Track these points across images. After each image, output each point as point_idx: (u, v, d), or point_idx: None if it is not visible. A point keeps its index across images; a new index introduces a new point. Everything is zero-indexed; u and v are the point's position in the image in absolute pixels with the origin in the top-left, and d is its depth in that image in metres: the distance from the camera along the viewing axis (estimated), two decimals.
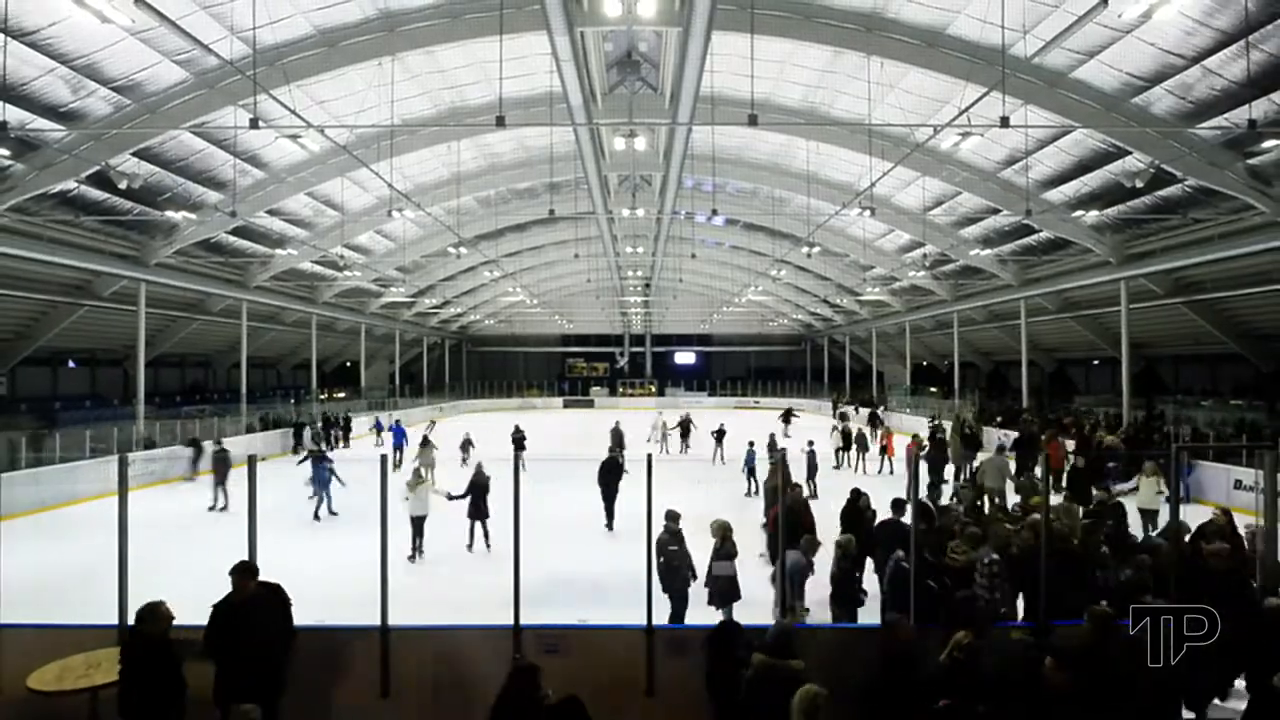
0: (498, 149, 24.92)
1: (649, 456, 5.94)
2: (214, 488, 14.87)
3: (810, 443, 16.23)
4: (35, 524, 13.25)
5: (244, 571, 4.90)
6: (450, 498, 11.06)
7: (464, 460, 18.79)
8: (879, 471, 19.12)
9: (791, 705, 3.85)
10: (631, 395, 53.52)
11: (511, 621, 5.38)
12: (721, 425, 21.81)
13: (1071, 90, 15.49)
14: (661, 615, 6.26)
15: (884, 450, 20.02)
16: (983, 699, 4.13)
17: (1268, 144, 13.75)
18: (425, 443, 17.98)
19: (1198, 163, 15.97)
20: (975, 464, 15.10)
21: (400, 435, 22.04)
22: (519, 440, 21.16)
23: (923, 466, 15.23)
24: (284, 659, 4.90)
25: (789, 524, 6.91)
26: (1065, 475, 14.34)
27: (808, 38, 16.07)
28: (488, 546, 11.06)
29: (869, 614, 6.75)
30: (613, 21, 11.89)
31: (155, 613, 4.57)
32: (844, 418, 27.59)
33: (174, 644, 4.61)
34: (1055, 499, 9.68)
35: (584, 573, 9.73)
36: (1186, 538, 6.92)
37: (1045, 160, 19.47)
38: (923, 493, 10.98)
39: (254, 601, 4.84)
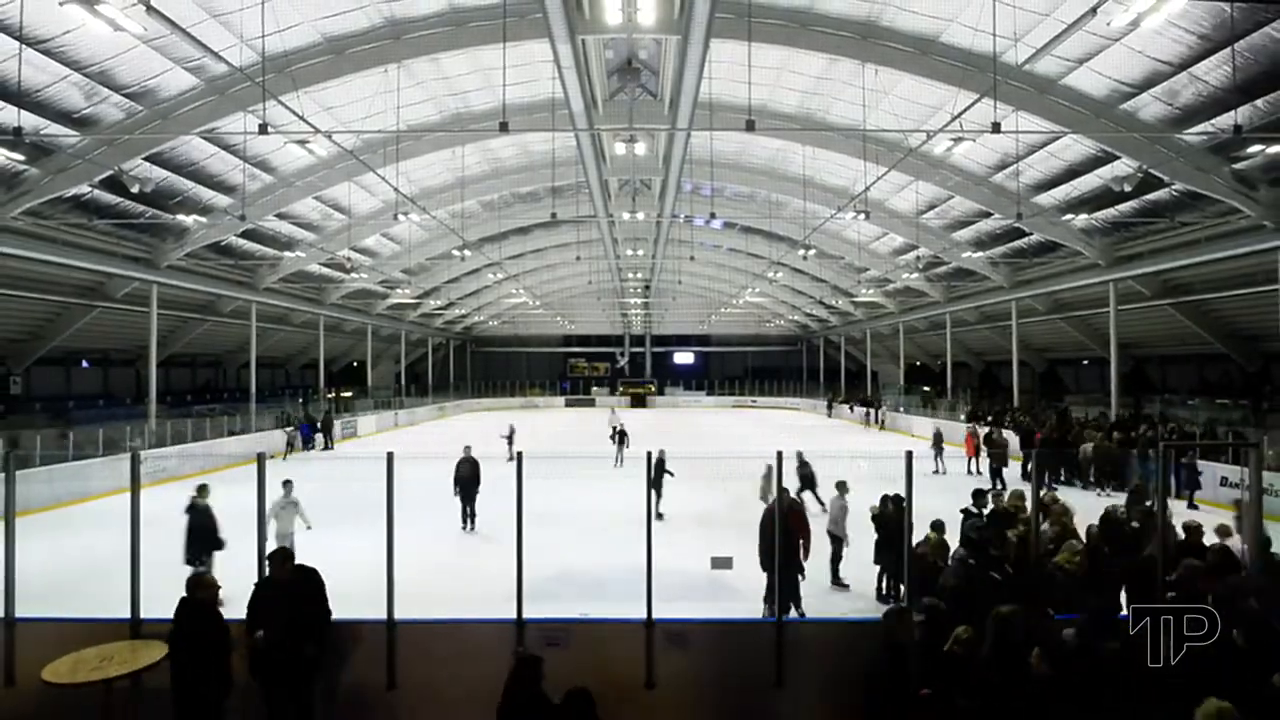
0: (501, 154, 25.23)
1: (648, 454, 6.18)
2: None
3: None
4: (50, 520, 13.42)
5: (280, 558, 5.24)
6: None
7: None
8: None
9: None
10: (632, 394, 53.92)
11: (514, 615, 5.50)
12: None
13: (1061, 96, 15.80)
14: (662, 609, 6.21)
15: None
16: (970, 692, 4.18)
17: (1253, 149, 13.95)
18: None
19: (1184, 167, 16.30)
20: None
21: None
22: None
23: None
24: (320, 638, 5.14)
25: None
26: None
27: (804, 45, 16.40)
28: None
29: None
30: (613, 29, 12.10)
31: (201, 581, 4.92)
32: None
33: (218, 616, 4.91)
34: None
35: (585, 567, 9.94)
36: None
37: (1036, 165, 19.78)
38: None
39: (291, 584, 5.14)
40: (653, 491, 11.87)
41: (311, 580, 5.26)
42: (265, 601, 5.10)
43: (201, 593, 4.91)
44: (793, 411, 45.80)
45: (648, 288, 46.08)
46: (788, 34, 16.04)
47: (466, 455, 13.17)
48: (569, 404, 52.35)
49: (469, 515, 12.84)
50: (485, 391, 51.90)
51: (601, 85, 15.64)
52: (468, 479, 12.86)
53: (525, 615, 5.51)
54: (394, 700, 5.43)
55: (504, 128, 12.18)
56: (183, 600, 4.90)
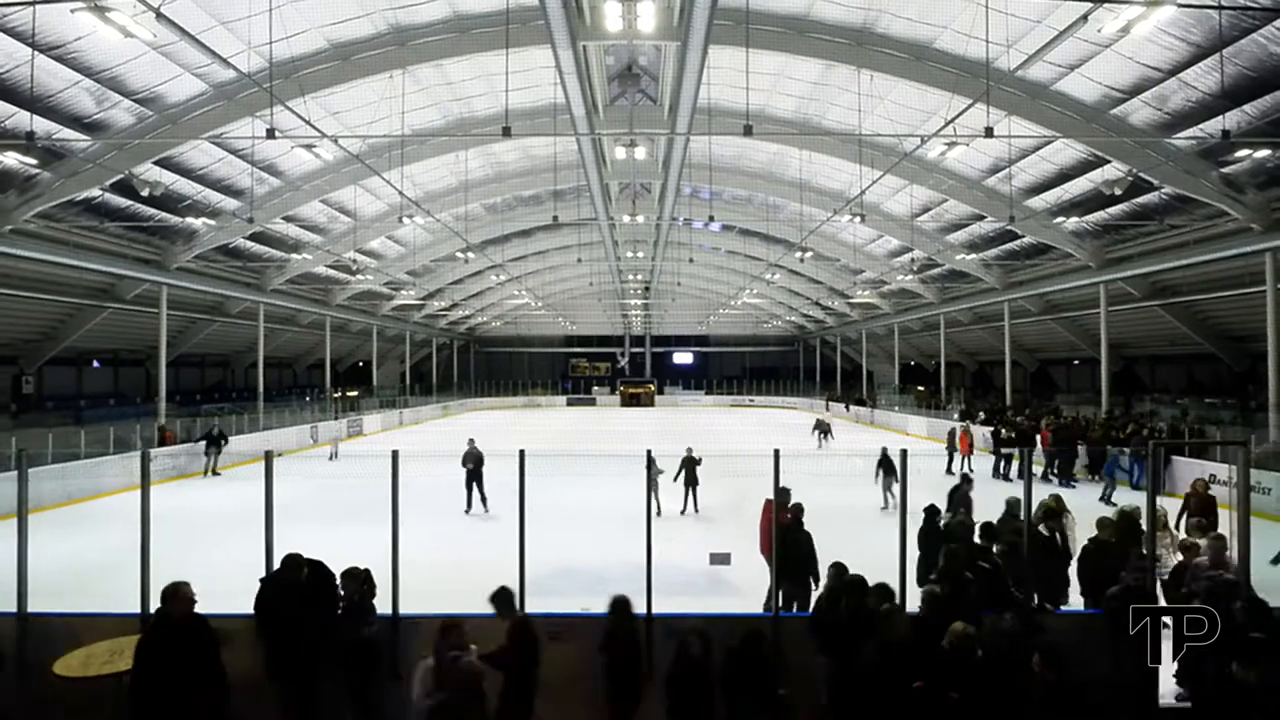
0: (504, 158, 25.51)
1: (648, 453, 6.30)
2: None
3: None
4: (61, 517, 13.56)
5: (295, 563, 5.27)
6: None
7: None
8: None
9: None
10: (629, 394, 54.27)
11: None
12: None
13: (1053, 102, 16.04)
14: (662, 604, 6.22)
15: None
16: (965, 687, 4.22)
17: (1240, 153, 14.16)
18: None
19: (1174, 171, 16.56)
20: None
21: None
22: None
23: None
24: (328, 634, 5.14)
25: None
26: None
27: (801, 52, 16.60)
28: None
29: None
30: (614, 36, 12.30)
31: (177, 594, 4.55)
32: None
33: (206, 626, 4.60)
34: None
35: (586, 563, 10.10)
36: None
37: (1028, 169, 20.04)
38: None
39: (302, 582, 5.22)
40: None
41: (322, 577, 5.31)
42: (276, 599, 5.13)
43: (178, 606, 4.53)
44: (791, 410, 46.04)
45: (648, 289, 46.40)
46: (785, 40, 16.23)
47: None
48: (570, 403, 52.73)
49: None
50: (488, 391, 52.38)
51: (602, 91, 15.86)
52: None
53: (527, 610, 5.59)
54: (398, 694, 5.45)
55: (506, 132, 12.33)
56: (158, 613, 4.57)
